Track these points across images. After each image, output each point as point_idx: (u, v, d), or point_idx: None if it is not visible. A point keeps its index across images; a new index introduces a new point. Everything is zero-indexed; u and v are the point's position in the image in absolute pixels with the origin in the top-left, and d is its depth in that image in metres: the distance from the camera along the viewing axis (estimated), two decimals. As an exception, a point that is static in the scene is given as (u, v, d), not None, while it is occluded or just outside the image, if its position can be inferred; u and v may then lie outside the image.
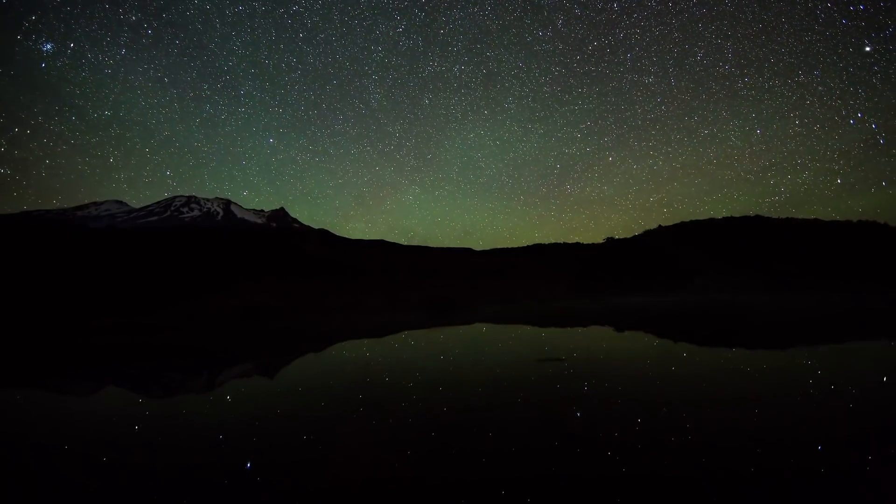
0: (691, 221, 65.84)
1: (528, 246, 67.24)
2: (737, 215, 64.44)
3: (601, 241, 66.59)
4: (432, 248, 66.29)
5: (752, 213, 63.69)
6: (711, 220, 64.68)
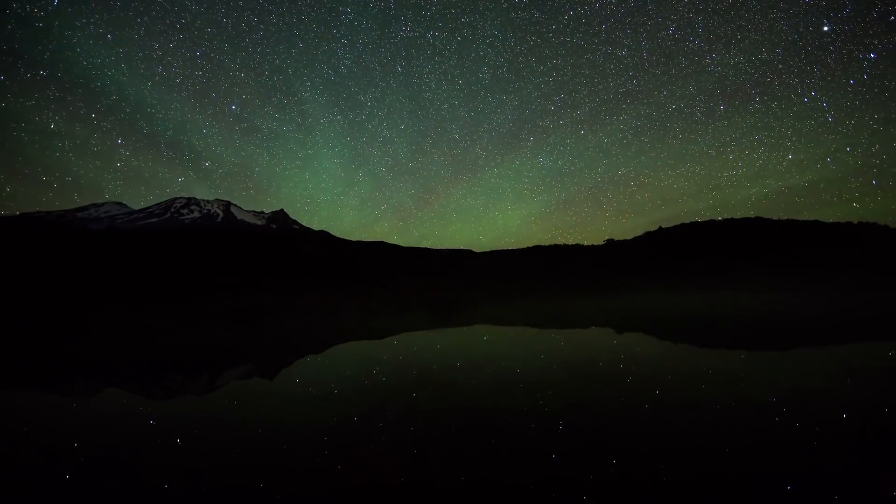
0: (691, 223, 65.85)
1: (528, 248, 67.21)
2: (737, 217, 64.50)
3: (601, 242, 66.67)
4: (432, 249, 66.32)
5: (752, 215, 63.80)
6: (711, 222, 64.72)
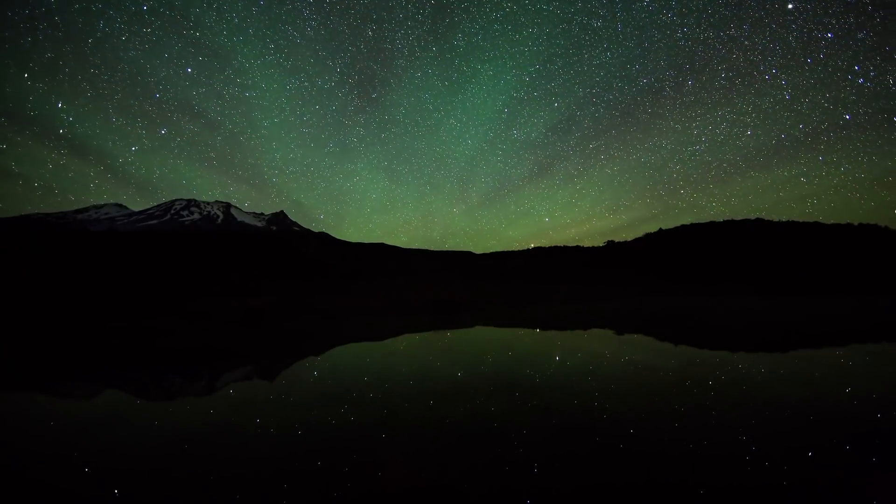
0: (691, 224, 66.20)
1: (528, 249, 67.57)
2: (737, 218, 64.81)
3: (601, 244, 66.96)
4: (432, 251, 66.48)
5: (752, 217, 64.15)
6: (712, 224, 64.99)
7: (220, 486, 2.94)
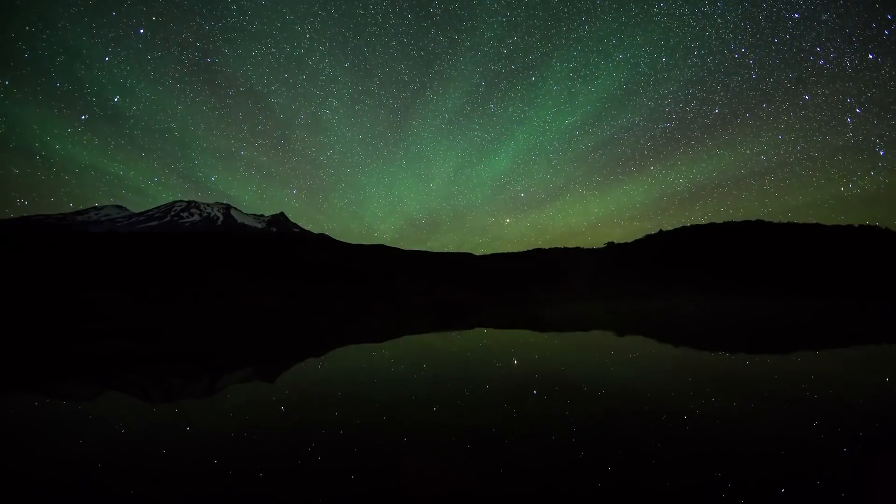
0: (692, 226, 66.29)
1: (527, 251, 67.57)
2: (738, 220, 64.97)
3: (601, 245, 67.00)
4: (432, 252, 66.46)
5: (752, 218, 64.29)
6: (712, 225, 65.15)
7: (222, 488, 2.92)
